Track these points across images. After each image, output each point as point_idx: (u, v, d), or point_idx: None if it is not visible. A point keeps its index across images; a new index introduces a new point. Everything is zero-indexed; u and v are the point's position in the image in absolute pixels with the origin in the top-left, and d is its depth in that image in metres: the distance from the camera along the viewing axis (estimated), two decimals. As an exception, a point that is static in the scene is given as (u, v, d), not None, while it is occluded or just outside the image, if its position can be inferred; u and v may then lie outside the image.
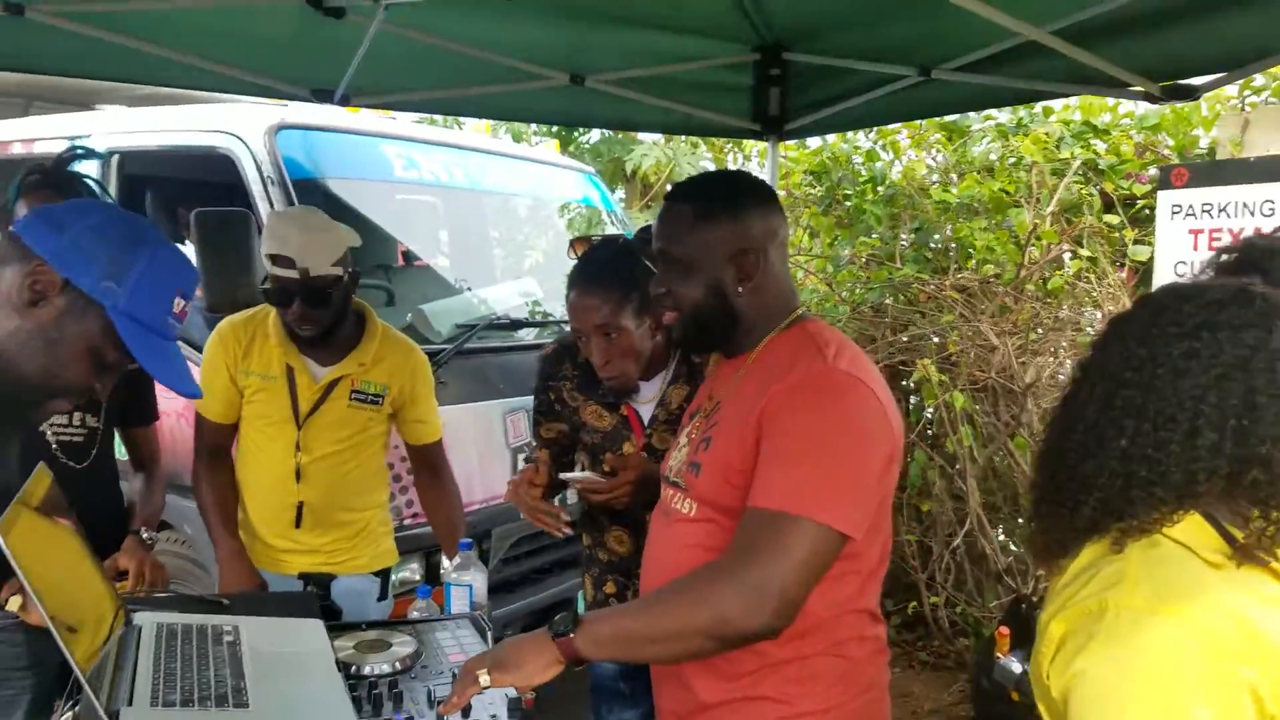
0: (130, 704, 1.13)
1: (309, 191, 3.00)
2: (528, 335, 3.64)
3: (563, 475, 1.92)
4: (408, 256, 4.20)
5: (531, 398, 2.50)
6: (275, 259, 2.09)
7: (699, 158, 7.37)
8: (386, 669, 1.51)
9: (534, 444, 2.20)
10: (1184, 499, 0.94)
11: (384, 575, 2.43)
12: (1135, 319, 1.02)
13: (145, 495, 2.22)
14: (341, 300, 2.19)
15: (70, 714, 1.37)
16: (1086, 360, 1.06)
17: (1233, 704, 0.85)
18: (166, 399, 2.36)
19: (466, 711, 1.37)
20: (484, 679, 1.30)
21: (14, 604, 1.86)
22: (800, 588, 1.25)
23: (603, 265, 1.90)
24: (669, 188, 6.20)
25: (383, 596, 2.43)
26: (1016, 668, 2.92)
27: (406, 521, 2.92)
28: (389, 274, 3.64)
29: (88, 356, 1.10)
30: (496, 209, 4.36)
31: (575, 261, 1.98)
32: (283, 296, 2.12)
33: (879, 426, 1.33)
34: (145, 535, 2.10)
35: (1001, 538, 3.77)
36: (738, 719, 1.38)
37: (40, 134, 3.78)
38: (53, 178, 1.98)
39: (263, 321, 2.25)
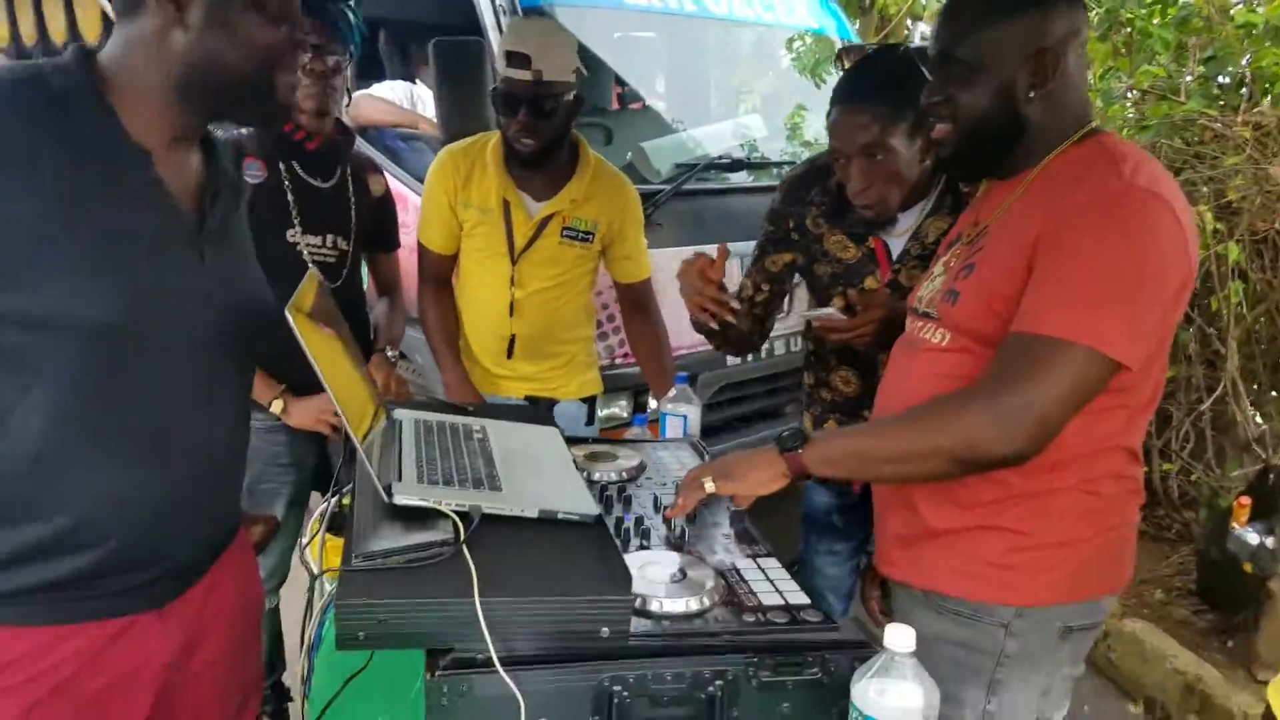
0: (399, 479, 1.26)
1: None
2: (745, 178, 3.58)
3: (804, 313, 1.85)
4: (623, 99, 4.18)
5: (747, 243, 2.43)
6: (511, 57, 2.08)
7: (953, -14, 6.65)
8: (614, 476, 1.60)
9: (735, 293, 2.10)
10: None
11: (590, 402, 2.54)
12: None
13: (388, 318, 2.40)
14: (565, 118, 2.18)
15: (332, 502, 1.55)
16: None
17: None
18: (404, 234, 2.52)
19: (692, 518, 1.43)
20: (709, 485, 1.35)
21: (276, 407, 2.09)
22: (1061, 416, 1.19)
23: (877, 77, 1.73)
24: (909, 23, 5.69)
25: (589, 422, 2.54)
26: (1253, 539, 2.76)
27: (618, 360, 3.01)
28: (605, 115, 3.65)
29: (255, 10, 1.10)
30: (721, 39, 4.20)
31: (842, 73, 1.83)
32: (511, 102, 2.12)
33: (1175, 249, 1.20)
34: (389, 353, 2.30)
35: (1251, 409, 3.46)
36: (968, 546, 1.36)
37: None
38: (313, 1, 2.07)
39: (481, 150, 2.28)
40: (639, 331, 2.53)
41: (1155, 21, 3.77)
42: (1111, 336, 1.17)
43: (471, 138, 2.37)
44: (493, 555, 1.14)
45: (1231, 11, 3.69)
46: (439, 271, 2.41)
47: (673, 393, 2.01)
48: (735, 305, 1.78)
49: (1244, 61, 3.59)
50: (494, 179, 2.25)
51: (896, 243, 1.87)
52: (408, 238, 2.54)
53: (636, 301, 2.50)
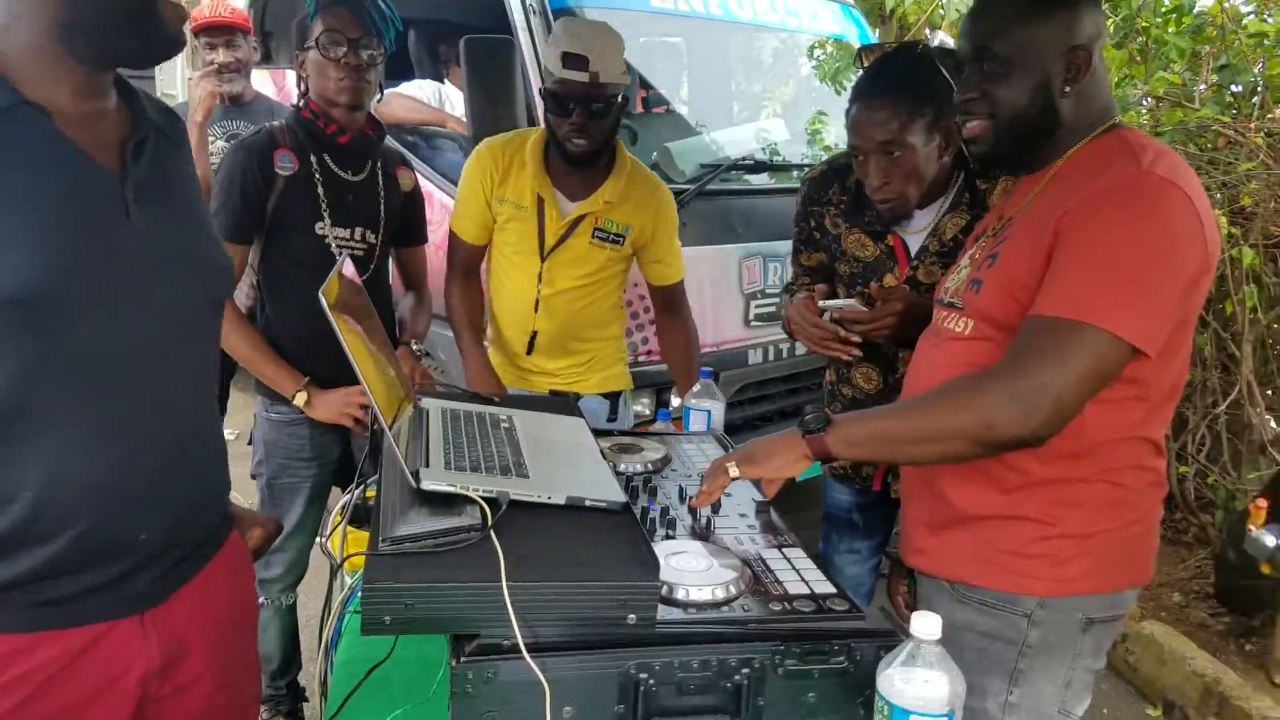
0: (427, 465, 1.27)
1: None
2: (766, 180, 3.59)
3: (821, 303, 1.86)
4: (647, 102, 4.20)
5: (770, 243, 2.43)
6: (566, 59, 2.08)
7: (970, -5, 6.65)
8: (640, 468, 1.60)
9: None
10: None
11: (613, 398, 2.52)
12: None
13: (415, 312, 2.40)
14: (615, 119, 2.20)
15: (352, 495, 1.54)
16: None
17: None
18: (429, 230, 2.53)
19: (716, 508, 1.43)
20: (733, 470, 1.36)
21: (300, 400, 2.08)
22: (1076, 398, 1.20)
23: (895, 74, 1.75)
24: (928, 31, 5.74)
25: (612, 418, 2.52)
26: (1270, 540, 2.75)
27: (640, 358, 3.04)
28: (629, 117, 3.67)
29: None
30: (743, 45, 4.22)
31: (861, 71, 1.85)
32: (564, 103, 2.12)
33: (1191, 237, 1.21)
34: (415, 347, 2.29)
35: (1265, 413, 3.46)
36: (993, 536, 1.37)
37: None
38: None
39: (520, 147, 2.28)
40: (670, 330, 2.53)
41: (1170, 30, 3.82)
42: (1125, 319, 1.19)
43: (511, 133, 2.38)
44: (520, 541, 1.14)
45: (1244, 21, 3.71)
46: (469, 261, 2.42)
47: (696, 388, 2.01)
48: (855, 339, 1.81)
49: (1256, 70, 3.62)
50: (531, 176, 2.25)
51: (914, 240, 1.89)
52: (433, 234, 2.55)
53: (669, 302, 2.50)
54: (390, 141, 2.32)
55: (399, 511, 1.20)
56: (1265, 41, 3.57)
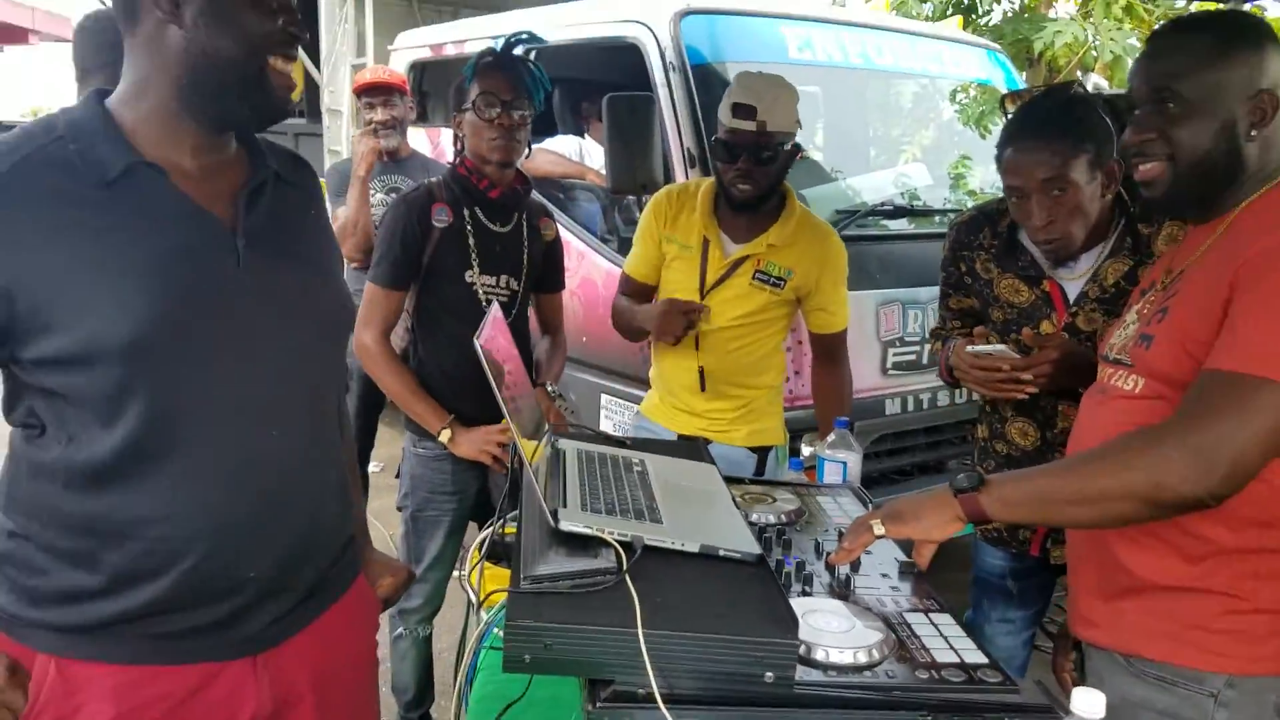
0: (565, 505, 1.28)
1: (706, 77, 3.10)
2: (905, 225, 3.53)
3: (971, 348, 1.79)
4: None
5: (911, 289, 2.34)
6: (736, 109, 2.16)
7: (1125, 36, 6.32)
8: (773, 519, 1.56)
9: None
10: None
11: (761, 453, 2.46)
12: None
13: (550, 354, 2.48)
14: (783, 166, 2.24)
15: (490, 530, 1.57)
16: None
17: None
18: (567, 277, 2.59)
19: (856, 566, 1.37)
20: (877, 528, 1.30)
21: (444, 436, 2.19)
22: (1256, 457, 1.12)
23: (1051, 113, 1.72)
24: (1079, 74, 5.49)
25: (758, 473, 2.45)
26: None
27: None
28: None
29: (251, 3, 1.10)
30: (887, 92, 4.19)
31: (1009, 117, 1.81)
32: (732, 150, 2.19)
33: None
34: (550, 388, 2.37)
35: None
36: (1177, 608, 1.27)
37: (468, 36, 4.28)
38: (502, 59, 2.21)
39: (693, 194, 2.37)
40: (824, 376, 2.52)
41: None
42: None
43: (688, 180, 2.48)
44: (653, 588, 1.12)
45: None
46: (636, 296, 2.48)
47: (832, 437, 1.95)
48: (1028, 376, 1.73)
49: None
50: (699, 218, 2.33)
51: (1073, 286, 1.82)
52: (570, 280, 2.62)
53: (828, 351, 2.49)
54: (534, 194, 2.41)
55: (539, 550, 1.21)
56: None
